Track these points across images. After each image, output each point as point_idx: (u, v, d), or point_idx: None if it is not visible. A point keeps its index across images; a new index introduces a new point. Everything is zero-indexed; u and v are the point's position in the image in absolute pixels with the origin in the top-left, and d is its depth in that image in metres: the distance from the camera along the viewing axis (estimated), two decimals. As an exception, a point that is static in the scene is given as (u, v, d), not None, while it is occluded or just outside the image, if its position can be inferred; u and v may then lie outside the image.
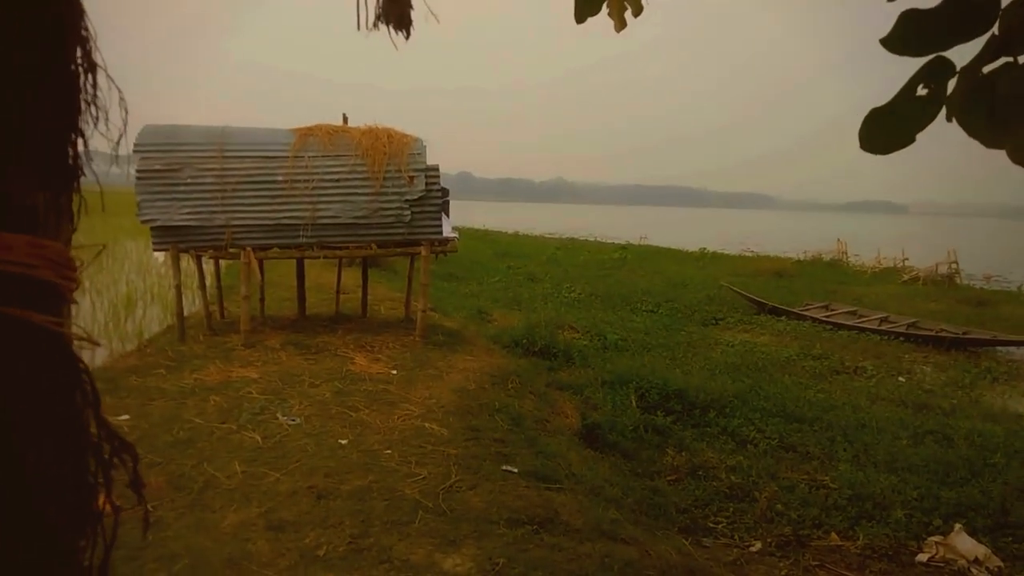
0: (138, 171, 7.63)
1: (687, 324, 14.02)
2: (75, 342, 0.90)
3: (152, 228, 7.76)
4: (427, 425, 5.50)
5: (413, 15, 2.67)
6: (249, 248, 7.85)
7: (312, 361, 7.27)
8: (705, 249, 32.29)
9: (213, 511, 3.88)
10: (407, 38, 2.67)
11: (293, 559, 3.39)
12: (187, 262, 9.35)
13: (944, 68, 1.46)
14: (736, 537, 5.23)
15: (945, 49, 1.46)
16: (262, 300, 9.68)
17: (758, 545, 5.11)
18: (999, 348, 12.66)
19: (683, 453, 6.71)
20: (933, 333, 13.21)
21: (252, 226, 7.90)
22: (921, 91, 1.48)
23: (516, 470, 4.83)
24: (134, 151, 7.65)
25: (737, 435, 7.30)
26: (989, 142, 1.46)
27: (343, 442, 5.03)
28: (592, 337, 11.58)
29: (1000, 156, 1.46)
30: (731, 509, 5.66)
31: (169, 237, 7.80)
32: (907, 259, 26.47)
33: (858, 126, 1.55)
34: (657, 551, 4.04)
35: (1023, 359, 12.21)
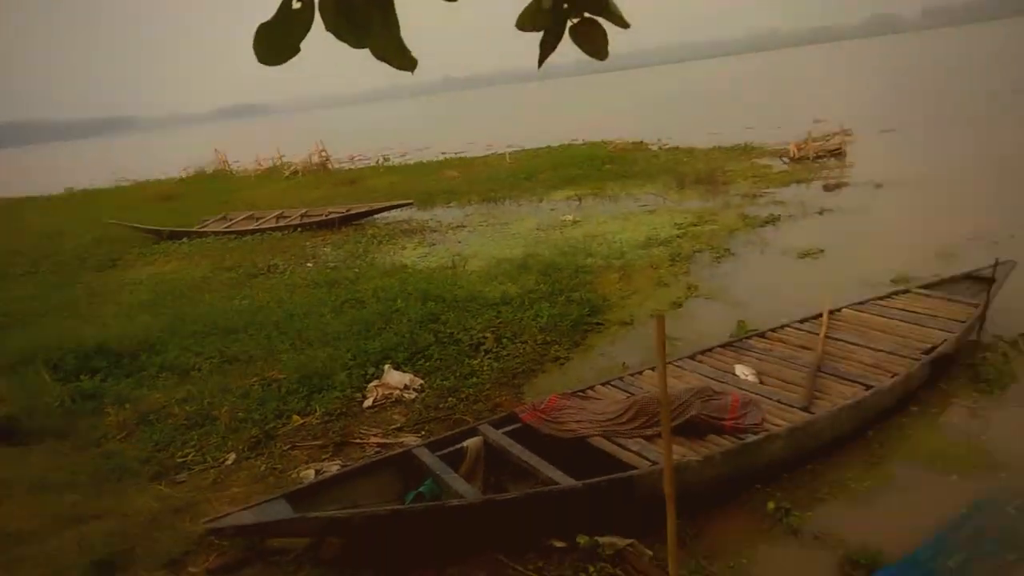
0: None
1: (81, 274, 12.48)
2: None
3: None
4: None
5: None
6: None
7: None
8: (72, 189, 28.61)
9: None
10: None
11: None
12: None
13: None
14: (209, 459, 5.19)
15: None
16: None
17: (232, 456, 5.20)
18: (376, 216, 14.95)
19: (126, 406, 6.18)
20: (323, 217, 14.79)
21: None
22: (296, 4, 1.60)
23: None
24: None
25: (177, 367, 7.03)
26: (355, 43, 1.68)
27: None
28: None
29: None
30: (195, 437, 5.55)
31: None
32: (283, 156, 28.29)
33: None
34: (136, 508, 3.76)
35: (395, 219, 14.72)
